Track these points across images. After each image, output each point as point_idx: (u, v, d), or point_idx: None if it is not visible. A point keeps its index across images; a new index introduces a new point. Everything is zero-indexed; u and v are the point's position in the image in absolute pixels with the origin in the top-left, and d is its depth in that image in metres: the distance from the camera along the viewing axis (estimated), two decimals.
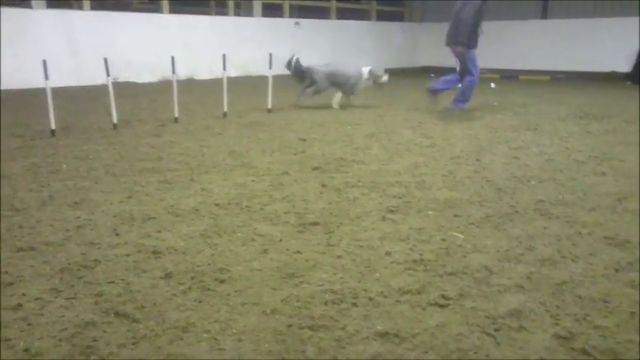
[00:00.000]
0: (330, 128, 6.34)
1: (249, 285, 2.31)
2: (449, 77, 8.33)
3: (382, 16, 17.68)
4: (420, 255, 2.65)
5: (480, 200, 3.58)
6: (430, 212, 3.34)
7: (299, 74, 8.17)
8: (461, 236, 2.92)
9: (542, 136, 5.95)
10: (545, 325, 1.99)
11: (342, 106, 8.13)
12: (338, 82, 8.18)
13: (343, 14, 16.36)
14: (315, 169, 4.42)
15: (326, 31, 15.37)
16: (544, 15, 15.97)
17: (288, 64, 8.08)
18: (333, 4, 15.81)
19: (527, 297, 2.21)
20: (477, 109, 8.12)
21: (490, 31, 15.85)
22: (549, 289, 2.28)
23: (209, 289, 2.26)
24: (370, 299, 2.18)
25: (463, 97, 8.11)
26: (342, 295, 2.21)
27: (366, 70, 8.19)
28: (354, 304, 2.14)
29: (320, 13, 15.77)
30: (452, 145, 5.39)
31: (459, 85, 8.14)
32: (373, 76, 8.24)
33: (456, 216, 3.27)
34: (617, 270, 2.47)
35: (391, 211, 3.34)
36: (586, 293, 2.24)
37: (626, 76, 12.74)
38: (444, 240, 2.87)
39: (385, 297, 2.20)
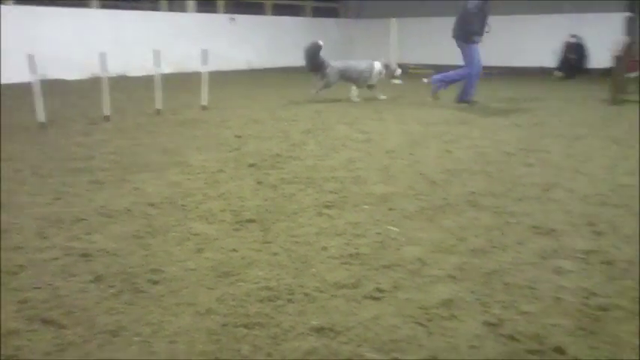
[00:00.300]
0: (267, 125, 6.31)
1: (184, 285, 2.26)
2: (452, 72, 8.54)
3: (318, 13, 17.73)
4: (356, 249, 2.67)
5: (414, 193, 3.65)
6: (366, 206, 3.37)
7: (315, 65, 8.38)
8: (396, 229, 2.96)
9: (473, 129, 6.12)
10: (475, 313, 2.05)
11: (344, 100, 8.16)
12: (351, 76, 8.47)
13: (279, 10, 16.30)
14: (251, 166, 4.39)
15: (261, 28, 15.29)
16: None
17: (309, 52, 8.31)
18: (268, 0, 15.74)
19: (459, 287, 2.26)
20: (411, 105, 8.28)
21: (425, 28, 16.31)
22: (479, 279, 2.34)
23: (141, 291, 2.20)
24: (306, 295, 2.18)
25: (465, 92, 8.28)
26: (278, 291, 2.21)
27: (378, 64, 8.49)
28: (290, 301, 2.13)
29: (255, 9, 15.66)
30: (387, 140, 5.47)
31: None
32: (386, 70, 8.58)
33: (390, 209, 3.32)
34: (543, 257, 2.57)
35: (327, 207, 3.36)
36: (514, 281, 2.32)
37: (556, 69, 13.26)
38: (379, 234, 2.90)
39: (321, 292, 2.21)
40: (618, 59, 8.02)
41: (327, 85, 8.47)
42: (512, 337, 1.88)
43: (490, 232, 2.93)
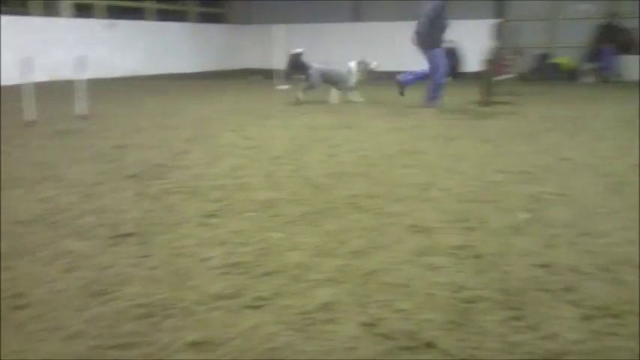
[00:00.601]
0: (149, 133, 6.12)
1: (51, 308, 2.13)
2: (419, 71, 8.69)
3: (204, 18, 17.48)
4: (238, 258, 2.64)
5: (298, 198, 3.68)
6: (250, 214, 3.35)
7: (296, 68, 8.88)
8: (279, 235, 2.97)
9: (357, 133, 6.28)
10: (353, 314, 2.09)
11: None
12: (332, 80, 8.84)
13: (162, 15, 15.89)
14: (132, 177, 4.23)
15: (143, 33, 14.84)
16: (355, 17, 16.89)
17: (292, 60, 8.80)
18: (150, 5, 15.29)
19: (338, 289, 2.30)
20: (296, 110, 8.36)
21: (304, 33, 16.55)
22: (358, 280, 2.40)
23: (2, 319, 2.04)
24: (184, 309, 2.12)
25: (433, 96, 8.45)
26: (154, 307, 2.13)
27: (353, 65, 8.83)
28: (167, 316, 2.07)
29: (136, 14, 15.16)
30: (273, 146, 5.48)
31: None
32: (363, 67, 8.89)
33: (275, 216, 3.32)
34: (418, 255, 2.68)
35: (210, 216, 3.30)
36: (390, 280, 2.39)
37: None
38: (262, 241, 2.89)
39: (200, 305, 2.16)
40: (488, 63, 8.56)
41: (311, 87, 8.88)
42: (387, 336, 1.94)
43: (370, 233, 3.01)
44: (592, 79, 13.32)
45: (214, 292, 2.27)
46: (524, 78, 13.17)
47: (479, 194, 3.77)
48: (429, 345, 1.88)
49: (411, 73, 8.89)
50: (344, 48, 16.08)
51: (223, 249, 2.77)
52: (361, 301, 2.19)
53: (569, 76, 13.75)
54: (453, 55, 13.90)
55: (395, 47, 15.50)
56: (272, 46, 13.52)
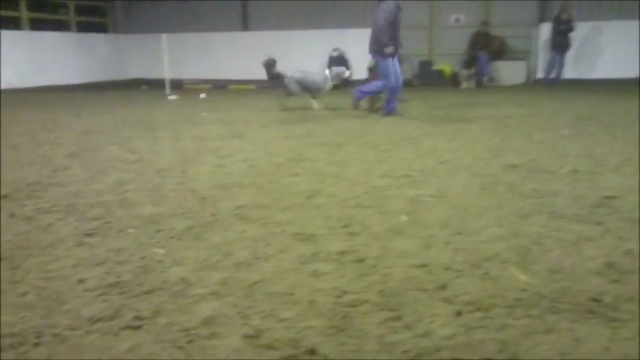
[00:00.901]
0: (25, 150, 5.76)
1: None
2: (371, 84, 8.53)
3: (85, 28, 16.74)
4: (117, 277, 2.55)
5: (183, 212, 3.60)
6: (131, 230, 3.24)
7: (272, 76, 9.32)
8: (161, 251, 2.89)
9: (246, 143, 6.26)
10: (236, 327, 2.08)
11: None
12: (308, 87, 9.14)
13: (39, 25, 15.03)
14: (3, 197, 3.96)
15: (19, 43, 13.96)
16: (245, 27, 16.88)
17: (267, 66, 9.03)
18: (25, 14, 14.44)
19: (221, 303, 2.28)
20: (185, 121, 8.21)
21: (197, 42, 16.32)
22: (242, 292, 2.39)
23: None
24: (56, 335, 2.01)
25: (387, 105, 8.33)
26: (24, 336, 2.00)
27: (328, 73, 9.19)
28: (37, 345, 1.95)
29: (10, 23, 14.24)
30: (159, 159, 5.35)
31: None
32: (336, 75, 9.19)
33: (158, 231, 3.23)
34: (302, 263, 2.71)
35: (89, 235, 3.16)
36: (274, 289, 2.40)
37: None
38: (143, 258, 2.80)
39: (74, 329, 2.06)
40: (371, 71, 8.85)
41: (289, 95, 9.19)
42: (269, 346, 1.94)
43: (256, 243, 3.00)
44: (473, 85, 14.14)
45: (90, 315, 2.18)
46: (409, 84, 13.72)
47: (363, 199, 3.88)
48: (311, 352, 1.91)
49: (364, 86, 8.79)
50: (233, 56, 16.04)
51: (101, 269, 2.66)
52: (245, 313, 2.19)
53: (452, 82, 14.51)
54: (341, 62, 14.26)
55: (283, 56, 15.68)
56: (160, 55, 13.22)
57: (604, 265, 2.60)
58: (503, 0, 14.62)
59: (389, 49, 7.89)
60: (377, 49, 8.05)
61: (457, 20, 15.21)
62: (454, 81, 14.46)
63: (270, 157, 5.40)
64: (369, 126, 7.47)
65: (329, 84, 9.28)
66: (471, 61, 14.28)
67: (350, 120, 8.09)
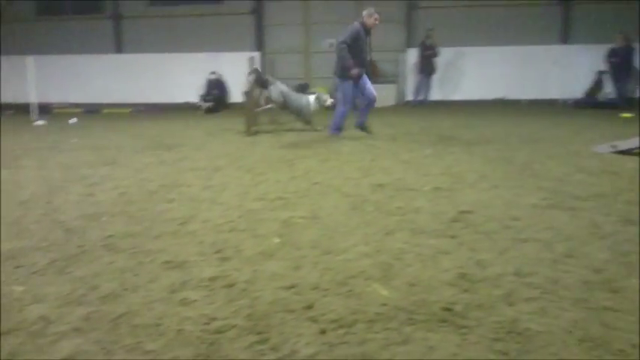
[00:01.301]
0: None
1: None
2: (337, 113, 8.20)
3: None
4: None
5: (47, 245, 3.44)
6: None
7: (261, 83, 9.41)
8: (20, 288, 2.74)
9: (118, 169, 6.08)
10: None
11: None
12: (289, 104, 9.21)
13: None
14: None
15: None
16: (118, 49, 16.38)
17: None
18: None
19: (84, 339, 2.21)
20: (52, 148, 7.82)
21: (67, 64, 15.57)
22: (107, 326, 2.33)
23: None
24: None
25: (335, 125, 8.14)
26: None
27: (312, 98, 9.16)
28: None
29: None
30: (21, 189, 5.06)
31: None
32: (320, 101, 9.12)
33: (17, 267, 3.06)
34: (171, 292, 2.69)
35: None
36: (141, 321, 2.37)
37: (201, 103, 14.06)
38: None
39: None
40: (248, 95, 8.93)
41: (269, 102, 9.37)
42: None
43: (124, 274, 2.93)
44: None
45: None
46: (285, 107, 13.99)
47: (237, 223, 3.90)
48: None
49: (334, 122, 8.38)
50: (106, 79, 15.49)
51: None
52: (108, 348, 2.14)
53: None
54: (218, 85, 14.25)
55: (159, 79, 15.41)
56: (25, 78, 12.47)
57: (457, 276, 2.82)
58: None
59: (355, 72, 7.81)
60: (336, 70, 8.02)
61: (331, 45, 15.72)
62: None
63: (143, 184, 5.28)
64: (245, 149, 7.52)
65: (312, 107, 9.24)
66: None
67: (227, 144, 8.10)
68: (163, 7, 16.17)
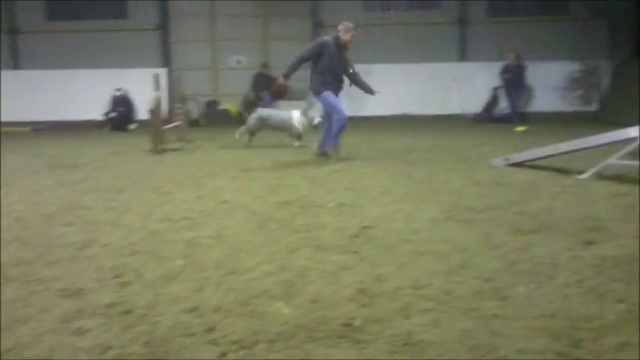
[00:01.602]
0: None
1: None
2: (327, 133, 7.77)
3: None
4: None
5: None
6: None
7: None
8: None
9: (12, 192, 5.76)
10: None
11: None
12: (277, 126, 9.32)
13: None
14: None
15: None
16: (16, 65, 15.56)
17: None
18: None
19: None
20: None
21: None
22: None
23: None
24: None
25: (332, 138, 7.70)
26: None
27: (296, 114, 9.10)
28: None
29: None
30: None
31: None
32: (306, 119, 9.07)
33: None
34: (64, 321, 2.57)
35: None
36: (30, 354, 2.26)
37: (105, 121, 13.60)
38: None
39: None
40: (153, 113, 8.74)
41: (248, 130, 9.38)
42: None
43: (14, 305, 2.78)
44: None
45: None
46: (195, 124, 13.79)
47: (139, 246, 3.80)
48: None
49: (332, 133, 7.76)
50: (3, 97, 14.69)
51: None
52: None
53: (239, 120, 14.86)
54: (124, 103, 13.85)
55: (60, 96, 14.79)
56: None
57: (357, 291, 2.89)
58: (280, 41, 15.44)
59: (281, 80, 7.66)
60: (311, 86, 7.72)
61: (238, 61, 15.73)
62: (241, 120, 14.85)
63: (39, 207, 5.04)
64: (151, 168, 7.35)
65: (300, 123, 9.11)
66: (252, 103, 14.80)
67: (132, 163, 7.88)
68: (64, 21, 15.54)
